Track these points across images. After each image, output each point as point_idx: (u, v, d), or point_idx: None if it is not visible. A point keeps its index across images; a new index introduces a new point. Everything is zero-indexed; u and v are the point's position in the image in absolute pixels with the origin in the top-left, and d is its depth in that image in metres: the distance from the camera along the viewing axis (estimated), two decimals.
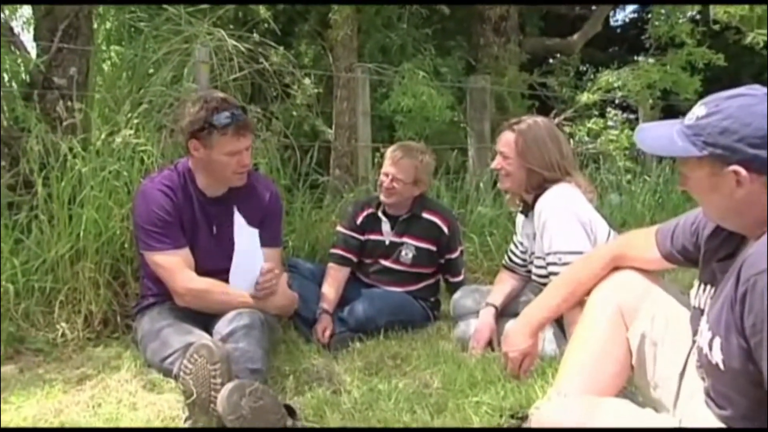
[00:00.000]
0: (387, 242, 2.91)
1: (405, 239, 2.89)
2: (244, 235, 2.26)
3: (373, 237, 2.93)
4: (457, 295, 2.76)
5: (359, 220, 2.94)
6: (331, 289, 2.80)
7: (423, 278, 2.94)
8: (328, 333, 2.62)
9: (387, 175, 2.83)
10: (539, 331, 1.73)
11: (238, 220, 2.28)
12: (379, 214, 2.93)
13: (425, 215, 2.90)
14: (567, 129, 5.48)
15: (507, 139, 2.41)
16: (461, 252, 3.01)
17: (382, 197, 2.88)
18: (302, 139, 4.69)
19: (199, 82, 3.32)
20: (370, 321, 2.71)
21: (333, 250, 2.94)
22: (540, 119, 2.47)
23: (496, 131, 2.62)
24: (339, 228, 2.99)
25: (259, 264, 2.25)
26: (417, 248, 2.89)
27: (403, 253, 2.89)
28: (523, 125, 2.40)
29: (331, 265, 2.89)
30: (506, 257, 2.69)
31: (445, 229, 2.89)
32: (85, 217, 2.63)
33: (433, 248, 2.90)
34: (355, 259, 2.92)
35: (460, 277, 2.99)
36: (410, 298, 2.89)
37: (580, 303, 1.65)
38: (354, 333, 2.67)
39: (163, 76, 3.36)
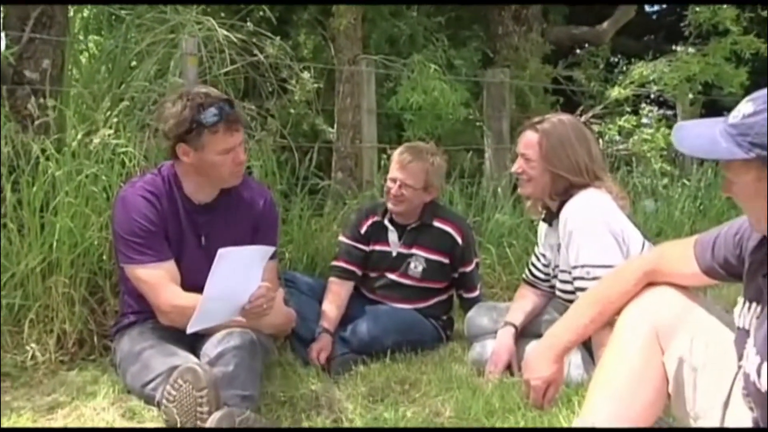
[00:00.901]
0: (394, 254, 2.91)
1: (414, 250, 2.89)
2: (230, 265, 2.06)
3: (378, 248, 2.93)
4: (471, 313, 2.75)
5: (364, 229, 2.94)
6: (332, 306, 2.80)
7: (434, 294, 2.94)
8: (324, 355, 2.62)
9: (394, 180, 2.83)
10: (564, 355, 1.71)
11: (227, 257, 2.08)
12: (386, 222, 2.93)
13: (437, 224, 2.90)
14: (596, 128, 5.47)
15: (529, 140, 2.41)
16: (477, 265, 3.00)
17: (389, 205, 2.88)
18: (301, 139, 4.69)
19: (186, 77, 3.34)
20: (375, 341, 2.71)
21: (334, 263, 2.94)
22: (566, 117, 2.46)
23: (516, 131, 2.62)
24: (341, 238, 2.99)
25: (252, 289, 2.15)
26: (427, 260, 2.88)
27: (411, 265, 2.89)
28: (548, 124, 2.39)
29: (332, 279, 2.89)
30: (527, 271, 2.68)
31: (459, 239, 2.89)
32: (58, 226, 2.63)
33: (446, 260, 2.90)
34: (359, 273, 2.92)
35: (476, 293, 2.98)
36: (420, 317, 2.88)
37: (610, 323, 1.64)
38: (357, 355, 2.67)
39: (147, 70, 3.38)
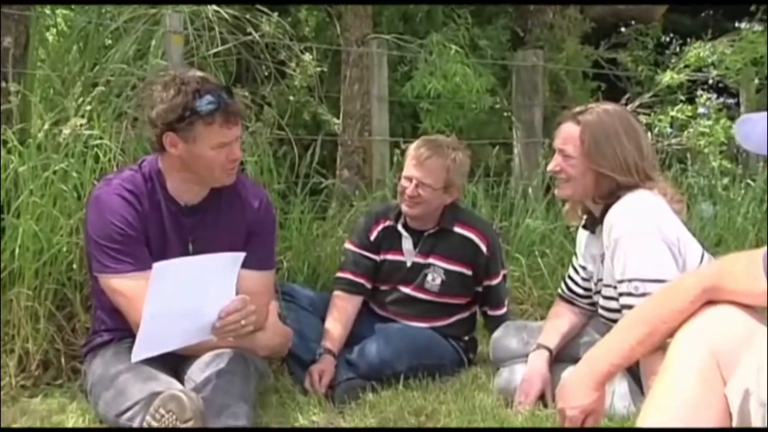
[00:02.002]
0: (409, 264, 2.91)
1: (432, 260, 2.90)
2: (180, 278, 2.05)
3: (390, 257, 2.93)
4: (498, 334, 2.74)
5: (374, 236, 2.94)
6: (336, 324, 2.80)
7: (454, 311, 2.94)
8: (325, 380, 2.62)
9: (410, 179, 2.83)
10: (606, 381, 1.71)
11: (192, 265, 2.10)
12: (399, 227, 2.93)
13: (458, 230, 2.90)
14: (644, 119, 5.44)
15: (569, 134, 2.40)
16: (504, 277, 3.00)
17: (403, 207, 2.87)
18: (301, 131, 4.70)
19: (169, 58, 3.35)
20: (386, 365, 2.71)
21: (340, 274, 2.94)
22: (611, 107, 2.46)
23: (549, 121, 2.61)
24: (347, 245, 3.00)
25: (222, 303, 2.12)
26: (447, 272, 2.89)
27: (429, 277, 2.89)
28: (591, 115, 2.38)
29: (337, 293, 2.89)
30: (563, 285, 2.67)
31: (484, 248, 2.89)
32: (21, 229, 2.64)
33: (468, 272, 2.90)
34: (368, 286, 2.92)
35: (503, 310, 2.98)
36: (438, 337, 2.89)
37: (662, 347, 1.63)
38: (365, 380, 2.67)
39: (124, 50, 3.39)
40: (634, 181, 2.32)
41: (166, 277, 2.00)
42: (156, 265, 1.99)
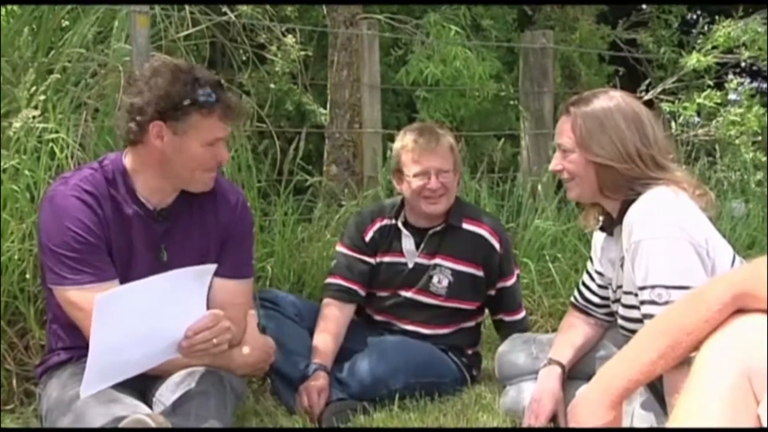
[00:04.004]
0: (411, 265, 2.92)
1: (438, 260, 2.91)
2: (128, 305, 2.01)
3: (388, 259, 2.95)
4: (504, 348, 2.74)
5: (368, 237, 2.96)
6: (327, 336, 2.80)
7: (459, 319, 2.95)
8: (322, 400, 2.62)
9: (426, 173, 2.83)
10: (623, 399, 1.71)
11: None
12: (399, 225, 2.95)
13: (466, 226, 2.92)
14: (667, 106, 5.46)
15: (563, 126, 2.41)
16: (518, 277, 3.02)
17: (424, 207, 2.88)
18: (284, 122, 4.72)
19: (134, 42, 3.33)
20: (380, 383, 2.72)
21: (330, 280, 2.95)
22: (611, 92, 2.45)
23: (561, 110, 2.62)
24: (339, 248, 3.00)
25: (189, 320, 2.10)
26: (455, 273, 2.90)
27: (435, 279, 2.91)
28: (583, 103, 2.39)
29: (327, 300, 2.90)
30: (576, 293, 2.67)
31: (497, 245, 2.91)
32: None
33: (479, 273, 2.92)
34: (362, 293, 2.93)
35: (521, 314, 3.00)
36: (438, 352, 2.90)
37: (687, 362, 1.63)
38: (356, 401, 2.67)
39: (83, 33, 3.37)
40: (640, 170, 2.31)
41: (109, 310, 1.95)
42: (97, 298, 1.93)
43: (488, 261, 2.91)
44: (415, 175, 2.85)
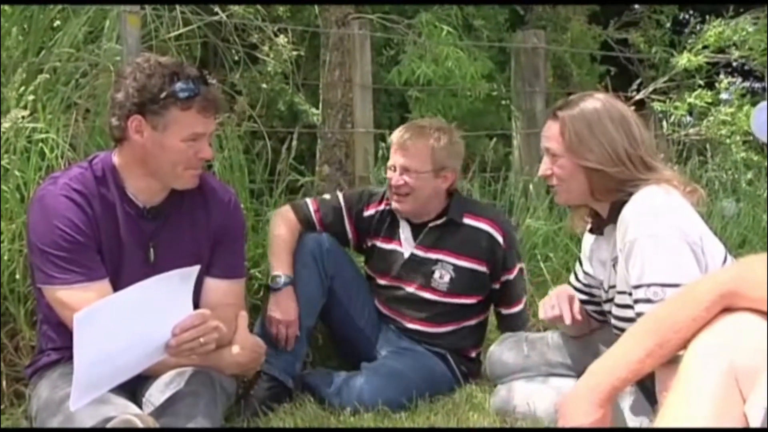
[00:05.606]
0: (407, 255, 2.93)
1: (441, 255, 2.91)
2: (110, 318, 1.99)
3: (383, 245, 2.97)
4: (495, 348, 2.75)
5: (369, 213, 2.99)
6: (286, 248, 2.88)
7: (462, 316, 2.95)
8: (293, 330, 2.73)
9: (393, 168, 2.84)
10: (611, 399, 1.71)
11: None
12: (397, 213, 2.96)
13: (468, 221, 2.92)
14: (658, 106, 5.47)
15: (550, 131, 2.41)
16: (521, 271, 3.02)
17: (393, 204, 2.90)
18: (276, 122, 4.71)
19: (125, 42, 3.32)
20: (374, 402, 2.71)
21: (309, 201, 3.01)
22: (594, 95, 2.46)
23: (547, 115, 2.62)
24: (339, 194, 3.05)
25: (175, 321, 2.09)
26: (457, 268, 2.91)
27: (436, 274, 2.92)
28: (570, 107, 2.39)
29: (288, 212, 2.97)
30: None
31: (501, 240, 2.91)
32: None
33: (482, 268, 2.92)
34: (319, 231, 2.95)
35: (520, 306, 3.00)
36: (435, 371, 2.88)
37: (675, 359, 1.63)
38: (289, 388, 2.74)
39: (73, 33, 3.36)
40: (629, 172, 2.32)
41: (91, 326, 1.93)
42: (76, 317, 1.90)
43: (492, 255, 2.91)
44: (387, 167, 2.91)
